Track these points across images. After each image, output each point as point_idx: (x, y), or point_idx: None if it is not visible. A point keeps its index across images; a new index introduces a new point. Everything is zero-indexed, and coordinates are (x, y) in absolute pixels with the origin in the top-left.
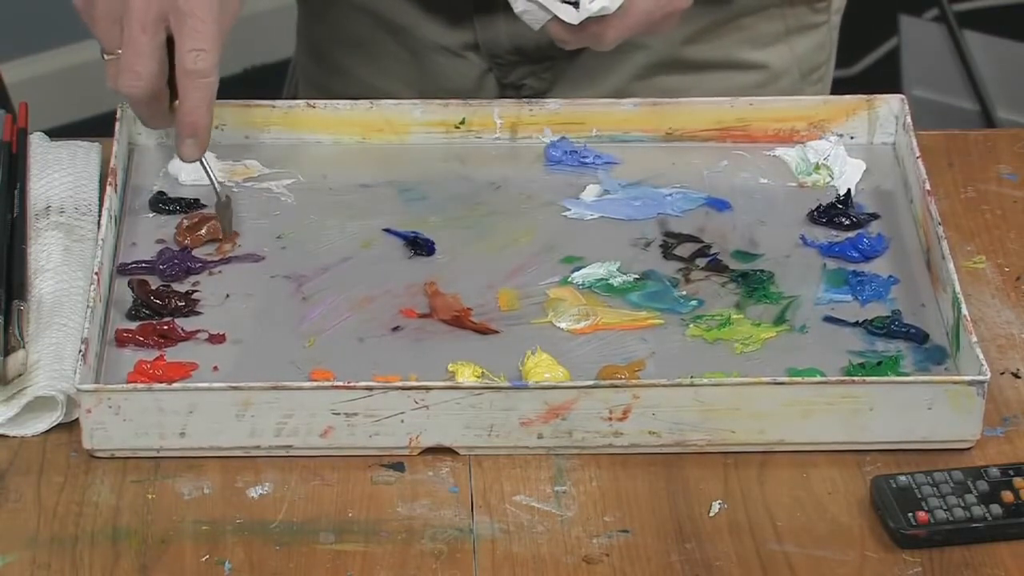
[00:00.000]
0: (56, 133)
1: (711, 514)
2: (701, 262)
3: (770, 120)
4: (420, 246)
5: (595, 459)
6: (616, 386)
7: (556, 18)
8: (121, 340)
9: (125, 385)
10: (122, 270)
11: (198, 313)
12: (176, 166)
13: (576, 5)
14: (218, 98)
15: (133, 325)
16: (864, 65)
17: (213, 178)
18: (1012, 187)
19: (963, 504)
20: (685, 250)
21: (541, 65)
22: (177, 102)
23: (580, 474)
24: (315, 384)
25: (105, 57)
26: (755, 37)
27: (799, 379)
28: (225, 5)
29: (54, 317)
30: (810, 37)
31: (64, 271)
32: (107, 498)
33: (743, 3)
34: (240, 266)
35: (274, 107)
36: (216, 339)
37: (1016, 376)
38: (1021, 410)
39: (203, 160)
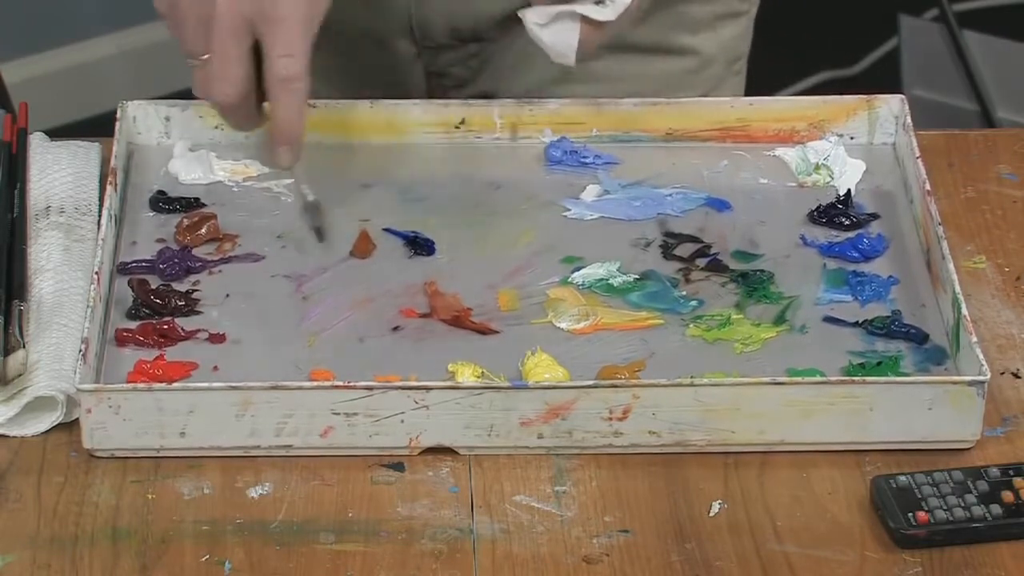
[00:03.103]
0: (56, 133)
1: (711, 514)
2: (701, 262)
3: (770, 120)
4: (420, 246)
5: (595, 459)
6: (616, 386)
7: (585, 25)
8: (121, 340)
9: (125, 385)
10: (122, 269)
11: (198, 312)
12: (176, 165)
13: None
14: None
15: (133, 324)
16: (864, 65)
17: (303, 185)
18: (1012, 187)
19: (963, 504)
20: (685, 250)
21: (468, 50)
22: (266, 105)
23: (580, 474)
24: (315, 384)
25: (190, 62)
26: (687, 21)
27: (799, 379)
28: (313, 6)
29: (54, 317)
30: (733, 25)
31: (64, 271)
32: (107, 498)
33: None
34: (240, 266)
35: None
36: (216, 339)
37: (1016, 376)
38: (1021, 410)
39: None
